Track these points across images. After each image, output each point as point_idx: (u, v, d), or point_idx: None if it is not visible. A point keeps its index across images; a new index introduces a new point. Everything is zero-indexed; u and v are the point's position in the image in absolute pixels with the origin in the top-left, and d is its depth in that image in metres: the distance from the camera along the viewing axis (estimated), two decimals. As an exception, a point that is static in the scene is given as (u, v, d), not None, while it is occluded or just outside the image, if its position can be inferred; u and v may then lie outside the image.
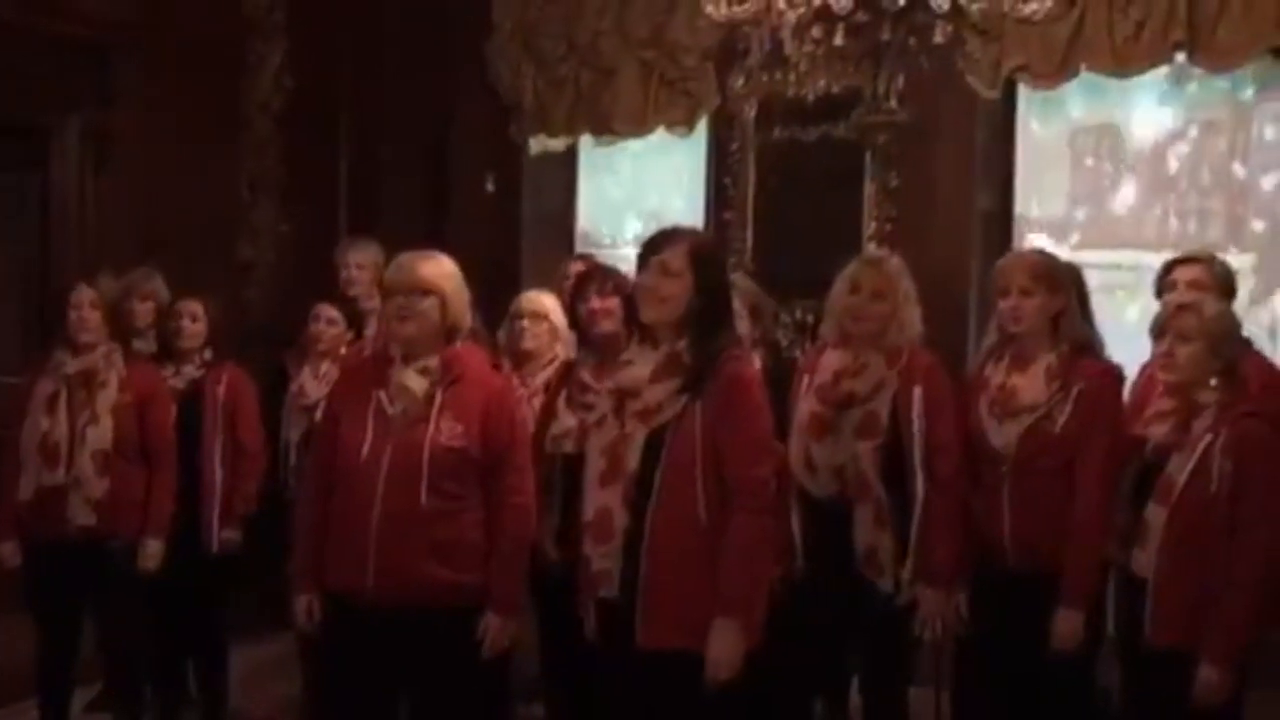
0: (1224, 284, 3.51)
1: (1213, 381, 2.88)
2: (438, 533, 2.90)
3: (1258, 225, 4.59)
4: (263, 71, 5.37)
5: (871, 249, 4.57)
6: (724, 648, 2.60)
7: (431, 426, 2.92)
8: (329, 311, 4.11)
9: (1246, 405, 2.89)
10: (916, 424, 3.17)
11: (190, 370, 3.98)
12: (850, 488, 3.22)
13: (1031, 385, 3.15)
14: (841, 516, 3.22)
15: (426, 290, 2.96)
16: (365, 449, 2.92)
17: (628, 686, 2.75)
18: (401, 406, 2.95)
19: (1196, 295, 3.24)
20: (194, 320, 3.98)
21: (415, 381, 2.96)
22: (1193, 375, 2.90)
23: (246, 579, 4.05)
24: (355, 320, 4.13)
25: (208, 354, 3.99)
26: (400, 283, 2.99)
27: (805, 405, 3.31)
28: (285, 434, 4.05)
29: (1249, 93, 4.58)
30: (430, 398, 2.95)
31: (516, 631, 3.06)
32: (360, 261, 4.40)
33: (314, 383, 3.99)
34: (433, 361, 2.98)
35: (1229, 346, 2.91)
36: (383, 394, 2.98)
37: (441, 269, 3.02)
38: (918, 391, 3.20)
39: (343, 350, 4.04)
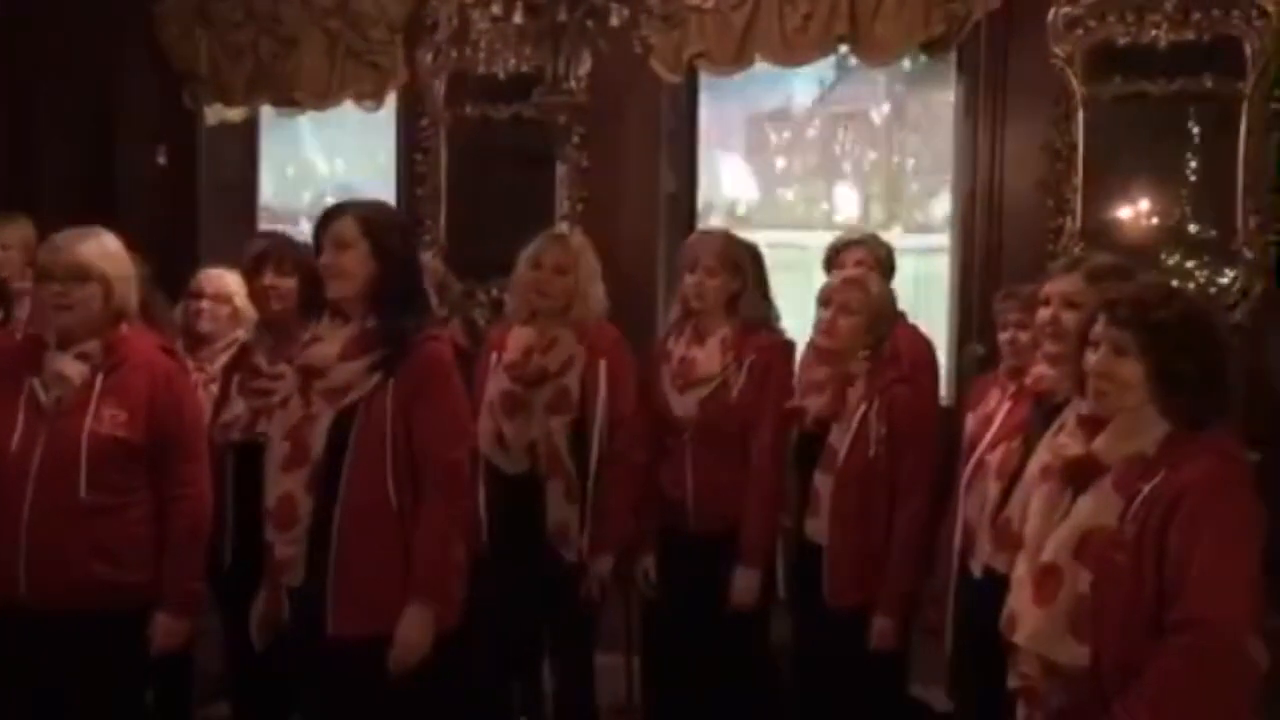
0: (885, 264, 3.79)
1: (863, 353, 3.11)
2: (99, 529, 2.72)
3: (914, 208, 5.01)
4: (-111, 28, 4.79)
5: (563, 227, 4.66)
6: (412, 633, 2.57)
7: (90, 415, 2.73)
8: None
9: (895, 373, 3.14)
10: (601, 398, 3.25)
11: None
12: (542, 464, 3.26)
13: (708, 357, 3.31)
14: (532, 492, 3.26)
15: (86, 276, 2.76)
16: (15, 440, 2.71)
17: (318, 677, 2.68)
18: (56, 394, 2.74)
19: (863, 272, 3.48)
20: None
21: (72, 367, 2.76)
22: (847, 345, 3.12)
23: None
24: (4, 300, 3.76)
25: None
26: (56, 266, 2.76)
27: (495, 383, 3.32)
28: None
29: (902, 85, 4.96)
30: (89, 384, 2.75)
31: (192, 630, 2.91)
32: (6, 241, 4.03)
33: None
34: (92, 346, 2.78)
35: (884, 323, 3.16)
36: (36, 381, 2.76)
37: (103, 249, 2.81)
38: (603, 365, 3.29)
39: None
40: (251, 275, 3.27)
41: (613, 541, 3.28)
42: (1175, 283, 4.16)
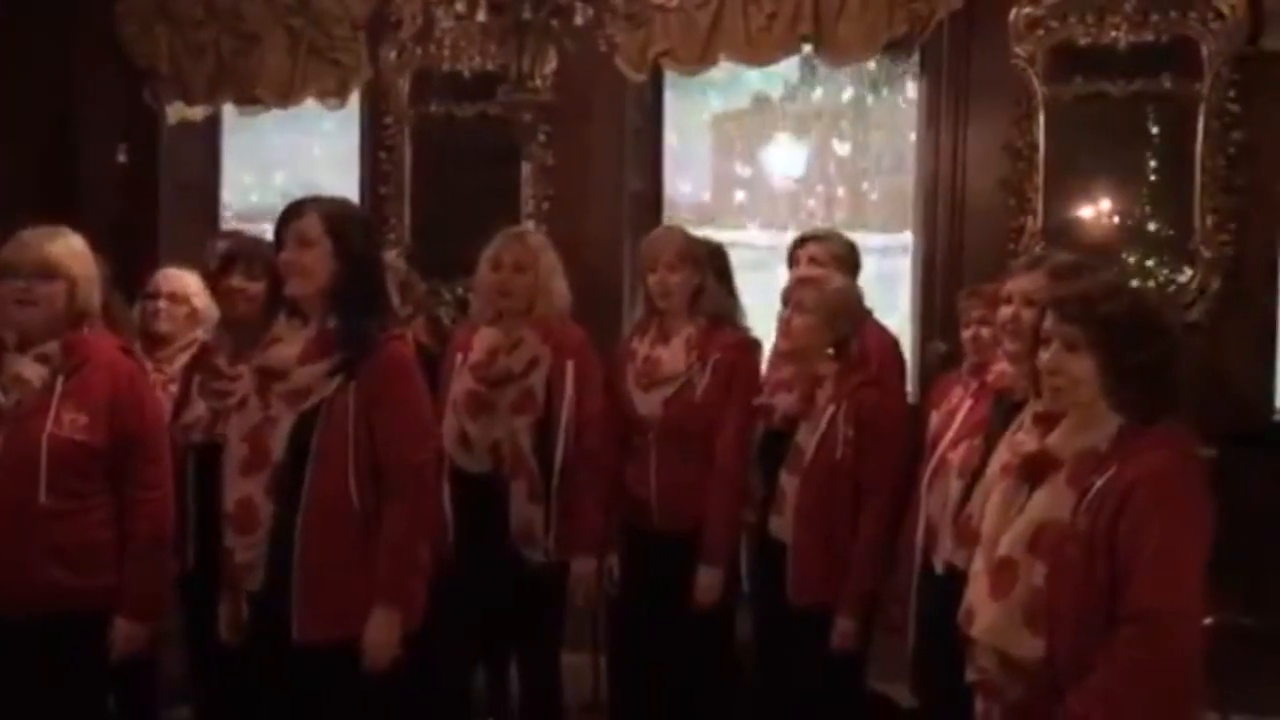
0: (847, 260, 3.80)
1: (829, 351, 3.13)
2: (59, 534, 2.70)
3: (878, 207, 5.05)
4: None
5: (529, 226, 4.66)
6: (381, 636, 2.57)
7: (50, 418, 2.70)
8: None
9: (863, 375, 3.16)
10: (568, 398, 3.25)
11: None
12: (506, 464, 3.26)
13: (673, 356, 3.33)
14: (496, 492, 3.25)
15: (52, 273, 2.74)
16: (-28, 444, 2.67)
17: (282, 682, 2.66)
18: (15, 397, 2.72)
19: (820, 270, 3.50)
20: None
21: (31, 370, 2.73)
22: (805, 344, 3.14)
23: None
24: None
25: None
26: (21, 263, 2.75)
27: (460, 383, 3.31)
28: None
29: (868, 86, 4.99)
30: (49, 387, 2.73)
31: (154, 633, 2.88)
32: (-36, 239, 3.94)
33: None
34: (52, 348, 2.76)
35: (843, 321, 3.17)
36: None
37: (70, 249, 2.80)
38: (570, 366, 3.28)
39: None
40: (218, 276, 3.24)
41: (591, 542, 3.28)
42: (1135, 281, 4.24)
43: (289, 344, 2.65)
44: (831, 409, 3.08)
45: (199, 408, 3.17)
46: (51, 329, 2.75)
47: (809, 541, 3.07)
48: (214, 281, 3.32)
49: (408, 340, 2.80)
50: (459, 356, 3.36)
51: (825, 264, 3.58)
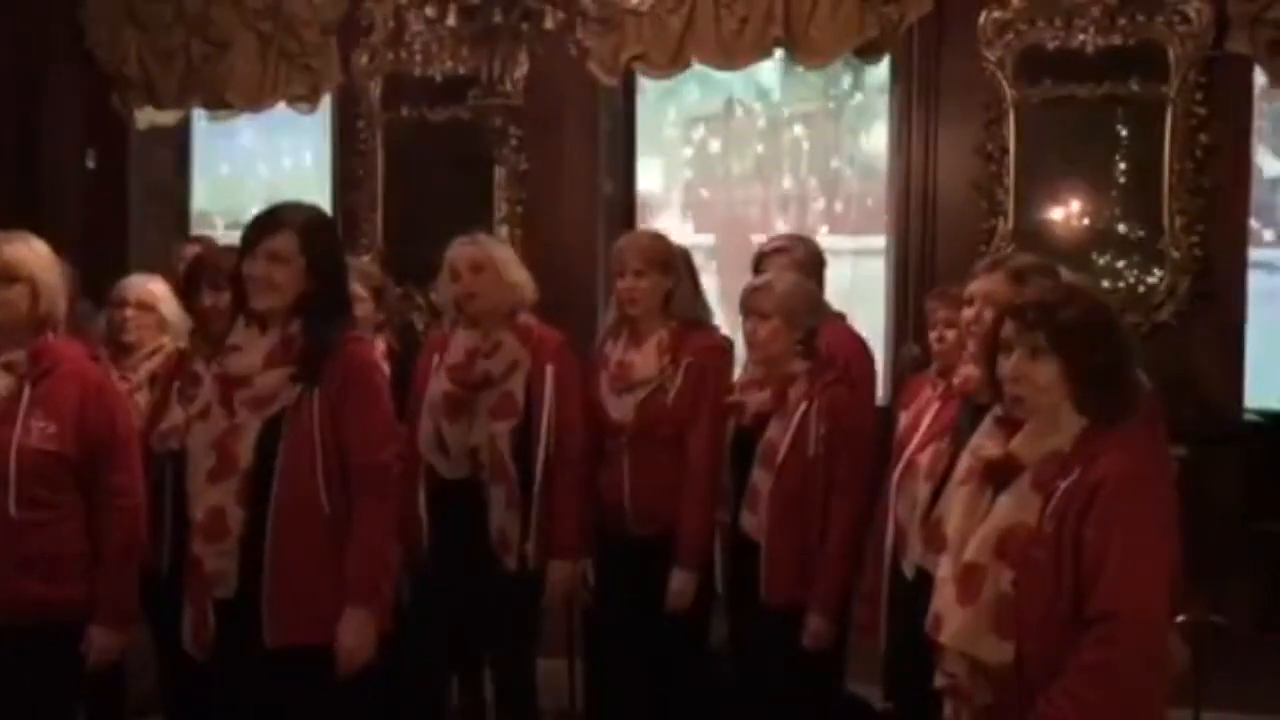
0: (811, 264, 3.81)
1: (797, 348, 3.13)
2: (30, 545, 2.66)
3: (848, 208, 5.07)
4: None
5: (501, 231, 4.67)
6: (355, 637, 2.56)
7: (18, 428, 2.67)
8: None
9: (833, 372, 3.16)
10: (547, 402, 3.24)
11: None
12: (485, 469, 3.23)
13: (645, 360, 3.31)
14: (473, 497, 3.23)
15: (13, 276, 2.71)
16: (-62, 456, 2.64)
17: (253, 688, 2.64)
18: (-19, 407, 2.68)
19: (770, 275, 3.49)
20: None
21: (-2, 378, 2.69)
22: (776, 350, 3.14)
23: None
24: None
25: None
26: None
27: (436, 385, 3.29)
28: None
29: (842, 89, 5.02)
30: (16, 396, 2.69)
31: (127, 643, 2.86)
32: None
33: None
34: (19, 355, 2.72)
35: (804, 315, 3.16)
36: None
37: (32, 252, 2.76)
38: (549, 370, 3.26)
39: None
40: (189, 288, 3.21)
41: (569, 548, 3.25)
42: (1105, 283, 4.28)
43: (249, 351, 2.63)
44: (804, 405, 3.07)
45: (177, 414, 3.13)
46: (14, 334, 2.72)
47: (782, 539, 3.06)
48: (184, 294, 3.28)
49: (367, 341, 2.78)
50: (435, 358, 3.33)
51: (793, 269, 3.57)
